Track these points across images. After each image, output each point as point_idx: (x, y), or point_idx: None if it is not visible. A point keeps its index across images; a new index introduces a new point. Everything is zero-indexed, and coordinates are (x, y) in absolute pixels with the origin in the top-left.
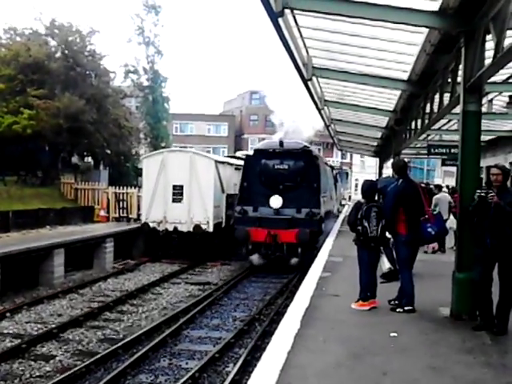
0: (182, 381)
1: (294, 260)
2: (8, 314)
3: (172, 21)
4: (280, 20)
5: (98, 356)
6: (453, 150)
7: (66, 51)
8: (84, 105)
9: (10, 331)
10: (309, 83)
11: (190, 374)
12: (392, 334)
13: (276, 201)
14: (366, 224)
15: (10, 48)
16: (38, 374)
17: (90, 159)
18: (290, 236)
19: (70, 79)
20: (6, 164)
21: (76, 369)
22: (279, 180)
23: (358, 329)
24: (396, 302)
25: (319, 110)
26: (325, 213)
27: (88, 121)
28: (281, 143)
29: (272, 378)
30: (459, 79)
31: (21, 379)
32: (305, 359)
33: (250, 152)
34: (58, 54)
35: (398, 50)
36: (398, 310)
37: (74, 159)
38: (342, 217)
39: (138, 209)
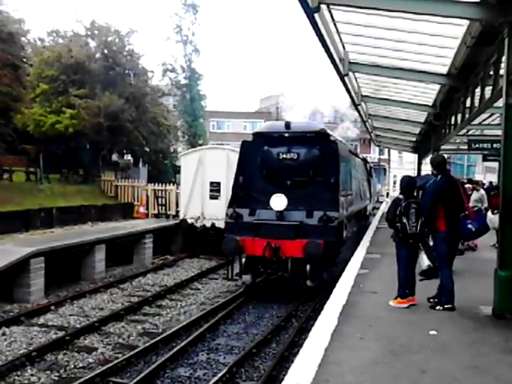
0: (219, 375)
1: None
2: (52, 307)
3: (209, 18)
4: (316, 16)
5: (138, 349)
6: (495, 145)
7: (106, 51)
8: (123, 104)
9: (55, 323)
10: (345, 78)
11: (227, 368)
12: (431, 332)
13: (278, 201)
14: (404, 220)
15: (53, 50)
16: (81, 365)
17: (129, 157)
18: (296, 249)
19: (110, 79)
20: (50, 162)
21: (117, 361)
22: (285, 174)
23: (396, 326)
24: (435, 300)
25: (356, 106)
26: (348, 216)
27: (127, 119)
28: (287, 125)
29: (309, 374)
30: (502, 71)
31: (65, 369)
32: (342, 356)
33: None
34: (98, 55)
35: (437, 43)
36: (437, 307)
37: (114, 157)
38: (379, 213)
39: (177, 205)
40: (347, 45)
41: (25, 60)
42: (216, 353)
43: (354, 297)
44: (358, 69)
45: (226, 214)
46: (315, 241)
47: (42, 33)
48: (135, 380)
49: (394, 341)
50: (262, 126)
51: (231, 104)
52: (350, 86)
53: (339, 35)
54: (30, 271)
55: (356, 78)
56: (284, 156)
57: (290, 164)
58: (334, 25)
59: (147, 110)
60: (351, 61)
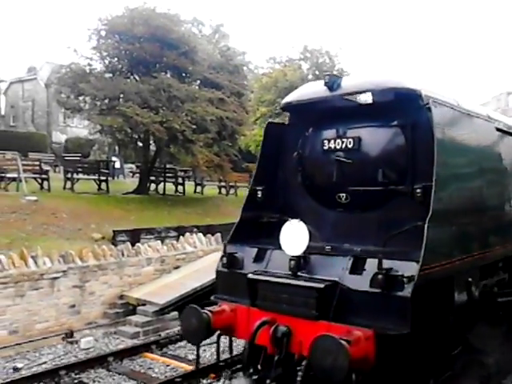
0: None
1: None
2: None
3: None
4: None
5: None
6: None
7: (317, 72)
8: None
9: None
10: None
11: None
12: None
13: (290, 234)
14: None
15: (270, 76)
16: None
17: None
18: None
19: None
20: None
21: None
22: (335, 179)
23: None
24: None
25: None
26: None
27: None
28: (330, 83)
29: None
30: None
31: None
32: None
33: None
34: (310, 76)
35: None
36: None
37: None
38: None
39: None
40: None
41: (247, 87)
42: None
43: None
44: None
45: (221, 258)
46: (331, 338)
47: (261, 61)
48: None
49: None
50: (292, 94)
51: None
52: None
53: None
54: None
55: None
56: (331, 145)
57: (343, 160)
58: None
59: None
60: None
